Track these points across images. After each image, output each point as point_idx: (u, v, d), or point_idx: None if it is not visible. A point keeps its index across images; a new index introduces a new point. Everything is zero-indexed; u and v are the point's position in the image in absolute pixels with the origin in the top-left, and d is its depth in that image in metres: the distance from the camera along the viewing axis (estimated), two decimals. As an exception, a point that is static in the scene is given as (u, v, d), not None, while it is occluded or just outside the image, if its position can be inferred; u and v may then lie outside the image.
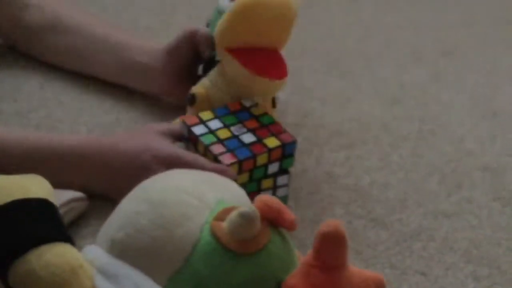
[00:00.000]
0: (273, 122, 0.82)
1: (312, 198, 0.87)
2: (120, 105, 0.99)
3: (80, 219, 0.79)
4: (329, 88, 1.10)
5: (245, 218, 0.57)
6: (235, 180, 0.71)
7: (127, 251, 0.60)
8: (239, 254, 0.58)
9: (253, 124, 0.82)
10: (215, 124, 0.81)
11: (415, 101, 1.09)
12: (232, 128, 0.81)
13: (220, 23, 0.84)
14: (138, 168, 0.78)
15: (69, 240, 0.63)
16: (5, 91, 1.00)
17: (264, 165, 0.79)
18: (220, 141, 0.79)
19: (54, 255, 0.60)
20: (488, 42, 1.28)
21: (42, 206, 0.64)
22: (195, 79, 0.91)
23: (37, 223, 0.62)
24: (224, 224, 0.59)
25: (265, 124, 0.82)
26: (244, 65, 0.82)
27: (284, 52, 0.87)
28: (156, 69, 0.96)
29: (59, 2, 1.06)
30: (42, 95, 1.00)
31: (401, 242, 0.82)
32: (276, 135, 0.81)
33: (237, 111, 0.83)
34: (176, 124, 0.86)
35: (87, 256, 0.62)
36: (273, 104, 0.89)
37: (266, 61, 0.84)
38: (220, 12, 0.86)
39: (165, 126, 0.84)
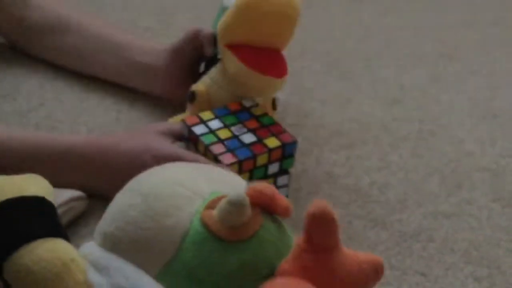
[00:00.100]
0: (274, 123, 0.82)
1: (312, 198, 0.87)
2: (120, 105, 0.99)
3: (79, 219, 0.79)
4: (329, 88, 1.10)
5: (233, 204, 0.56)
6: None
7: (118, 244, 0.60)
8: (229, 242, 0.57)
9: (253, 124, 0.82)
10: (215, 124, 0.81)
11: (415, 101, 1.09)
12: (233, 128, 0.81)
13: (223, 20, 0.84)
14: (139, 168, 0.77)
15: (62, 235, 0.63)
16: (5, 90, 1.00)
17: (264, 165, 0.79)
18: (220, 141, 0.79)
19: (46, 250, 0.61)
20: (488, 44, 1.29)
21: (37, 204, 0.65)
22: (197, 78, 0.91)
23: (30, 220, 0.63)
24: (214, 212, 0.58)
25: (265, 124, 0.82)
26: (243, 61, 0.82)
27: (284, 53, 0.87)
28: (158, 70, 0.96)
29: (60, 2, 1.06)
30: (42, 94, 1.00)
31: (401, 242, 0.82)
32: (276, 135, 0.81)
33: (237, 111, 0.83)
34: (171, 123, 0.86)
35: (83, 251, 0.62)
36: (274, 106, 0.89)
37: (266, 59, 0.84)
38: (224, 9, 0.86)
39: (165, 126, 0.84)
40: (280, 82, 0.84)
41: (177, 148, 0.79)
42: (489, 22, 1.37)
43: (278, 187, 0.81)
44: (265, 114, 0.83)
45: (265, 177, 0.80)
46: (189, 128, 0.80)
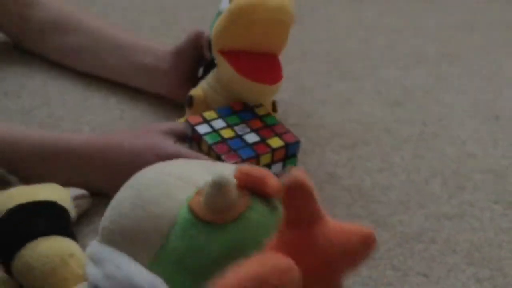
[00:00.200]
0: (277, 123, 0.82)
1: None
2: (124, 104, 0.99)
3: (82, 217, 0.79)
4: (331, 89, 1.10)
5: (215, 186, 0.55)
6: None
7: (113, 235, 0.60)
8: (215, 225, 0.56)
9: (256, 124, 0.82)
10: (218, 123, 0.81)
11: (417, 103, 1.09)
12: (236, 128, 0.81)
13: (216, 25, 0.83)
14: (142, 167, 0.77)
15: (66, 234, 0.66)
16: (9, 88, 1.00)
17: (267, 165, 0.79)
18: (223, 140, 0.79)
19: (46, 247, 0.64)
20: (491, 45, 1.29)
21: (44, 207, 0.69)
22: (198, 81, 0.91)
23: (34, 221, 0.66)
24: (201, 198, 0.57)
25: (268, 124, 0.82)
26: (235, 69, 0.82)
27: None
28: (162, 71, 0.96)
29: (63, 1, 1.06)
30: (45, 93, 1.00)
31: (403, 243, 0.82)
32: (279, 135, 0.81)
33: (241, 111, 0.83)
34: (175, 122, 0.86)
35: (88, 249, 0.63)
36: (274, 108, 0.89)
37: (260, 65, 0.83)
38: (219, 14, 0.85)
39: (168, 125, 0.84)
40: (273, 89, 0.84)
41: (180, 147, 0.79)
42: (492, 23, 1.37)
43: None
44: (269, 114, 0.83)
45: (268, 177, 0.80)
46: (192, 127, 0.80)
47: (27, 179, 0.76)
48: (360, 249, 0.55)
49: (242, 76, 0.81)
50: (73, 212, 0.74)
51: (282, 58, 0.86)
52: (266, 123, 0.82)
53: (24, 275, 0.64)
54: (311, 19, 1.30)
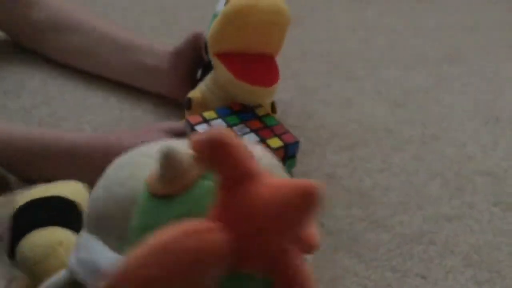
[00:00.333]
0: (276, 123, 0.82)
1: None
2: (124, 104, 0.99)
3: (82, 217, 0.79)
4: (332, 89, 1.10)
5: (163, 157, 0.52)
6: None
7: (89, 222, 0.60)
8: (167, 197, 0.53)
9: (256, 124, 0.82)
10: (218, 123, 0.81)
11: (417, 104, 1.09)
12: (235, 128, 0.81)
13: (211, 28, 0.83)
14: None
15: (69, 225, 0.68)
16: (9, 87, 1.00)
17: (266, 165, 0.79)
18: (223, 141, 0.79)
19: (39, 236, 0.67)
20: (492, 47, 1.29)
21: (51, 201, 0.70)
22: (197, 82, 0.91)
23: (37, 214, 0.68)
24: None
25: (268, 125, 0.82)
26: (231, 72, 0.81)
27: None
28: (162, 71, 0.96)
29: (64, 1, 1.06)
30: (46, 92, 1.00)
31: (402, 245, 0.82)
32: (279, 135, 0.81)
33: (240, 111, 0.83)
34: (174, 122, 0.86)
35: (77, 237, 0.63)
36: (273, 109, 0.89)
37: (256, 67, 0.83)
38: (215, 16, 0.85)
39: (168, 124, 0.84)
40: (271, 91, 0.83)
41: (180, 147, 0.79)
42: (493, 24, 1.37)
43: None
44: (268, 115, 0.83)
45: (267, 177, 0.80)
46: (192, 126, 0.80)
47: (27, 179, 0.76)
48: (297, 202, 0.48)
49: (238, 79, 0.81)
50: None
51: (282, 58, 0.86)
52: (266, 124, 0.82)
53: (21, 265, 0.67)
54: (311, 19, 1.30)
